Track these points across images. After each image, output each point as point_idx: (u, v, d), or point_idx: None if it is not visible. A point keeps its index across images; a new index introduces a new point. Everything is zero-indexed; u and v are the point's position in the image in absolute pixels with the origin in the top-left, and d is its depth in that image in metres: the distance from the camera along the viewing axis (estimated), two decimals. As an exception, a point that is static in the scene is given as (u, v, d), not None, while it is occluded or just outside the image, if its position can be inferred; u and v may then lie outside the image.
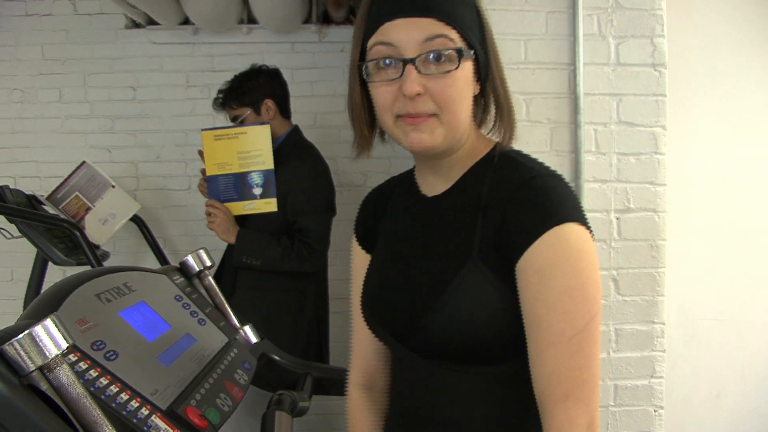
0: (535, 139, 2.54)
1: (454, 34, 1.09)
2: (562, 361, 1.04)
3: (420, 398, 1.25)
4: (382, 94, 1.13)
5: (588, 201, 2.55)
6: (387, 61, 1.10)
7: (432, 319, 1.14)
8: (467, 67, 1.13)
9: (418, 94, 1.08)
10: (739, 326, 3.15)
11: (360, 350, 1.46)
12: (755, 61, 3.11)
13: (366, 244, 1.44)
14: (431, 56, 1.08)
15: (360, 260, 1.44)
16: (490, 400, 1.18)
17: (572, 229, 1.06)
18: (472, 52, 1.13)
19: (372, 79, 1.13)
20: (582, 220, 1.09)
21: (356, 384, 1.46)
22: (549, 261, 1.05)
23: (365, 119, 1.24)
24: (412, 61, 1.07)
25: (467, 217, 1.17)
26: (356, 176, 4.11)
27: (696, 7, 3.04)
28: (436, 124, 1.12)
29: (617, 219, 2.58)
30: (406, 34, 1.08)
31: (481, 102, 1.24)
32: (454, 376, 1.18)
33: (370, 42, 1.13)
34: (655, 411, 2.65)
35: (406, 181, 1.39)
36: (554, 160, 2.54)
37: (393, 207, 1.39)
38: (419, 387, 1.25)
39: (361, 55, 1.17)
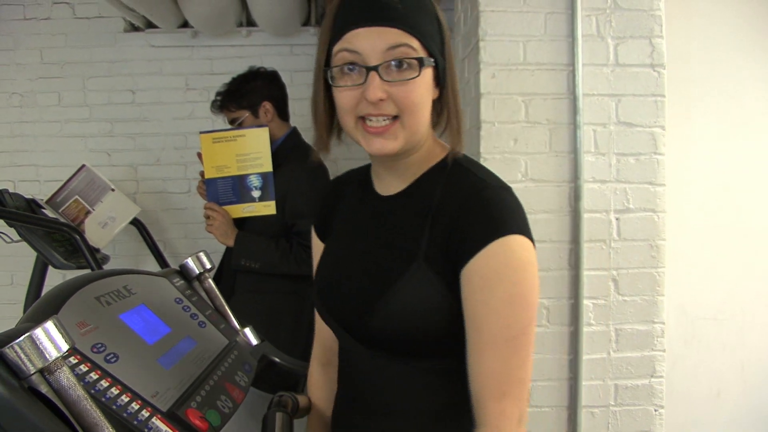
0: (534, 139, 2.53)
1: (415, 43, 1.14)
2: (500, 362, 1.12)
3: (364, 387, 1.33)
4: (345, 97, 1.17)
5: (587, 201, 2.56)
6: (351, 67, 1.15)
7: (377, 312, 1.19)
8: (427, 74, 1.18)
9: (381, 100, 1.13)
10: (738, 325, 3.15)
11: (320, 329, 1.55)
12: (754, 62, 3.11)
13: (321, 233, 1.51)
14: (393, 64, 1.13)
15: (316, 248, 1.51)
16: (429, 393, 1.25)
17: (517, 240, 1.12)
18: (432, 60, 1.18)
19: (336, 84, 1.18)
20: (527, 232, 1.15)
21: (316, 359, 1.59)
22: (494, 269, 1.11)
23: (326, 122, 1.28)
24: (375, 68, 1.12)
25: (417, 219, 1.23)
26: (356, 178, 4.09)
27: (695, 8, 3.05)
28: (398, 129, 1.18)
29: (617, 219, 2.58)
30: (370, 42, 1.12)
31: (437, 106, 1.28)
32: (395, 367, 1.25)
33: (335, 48, 1.17)
34: (655, 410, 2.65)
35: (362, 177, 1.44)
36: (553, 161, 2.54)
37: (348, 200, 1.45)
38: (363, 376, 1.32)
39: (326, 60, 1.21)
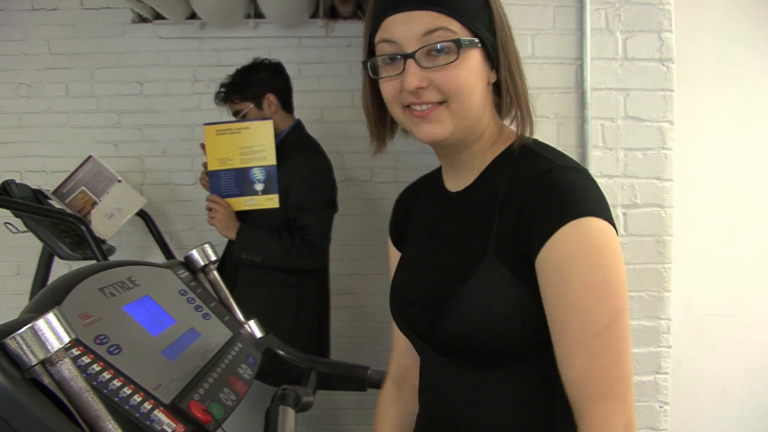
0: (542, 134, 2.48)
1: (455, 25, 1.07)
2: (591, 360, 1.01)
3: (443, 399, 1.24)
4: (387, 88, 1.13)
5: (594, 197, 2.54)
6: (391, 56, 1.10)
7: (448, 316, 1.12)
8: (472, 56, 1.10)
9: (421, 88, 1.08)
10: (745, 323, 3.15)
11: (396, 346, 1.49)
12: (763, 58, 3.10)
13: (398, 243, 1.45)
14: (431, 49, 1.07)
15: (393, 259, 1.45)
16: (514, 403, 1.15)
17: (591, 222, 1.02)
18: (476, 41, 1.10)
19: (379, 75, 1.14)
20: (603, 213, 1.04)
21: (391, 378, 1.50)
22: (567, 256, 1.02)
23: (375, 114, 1.25)
24: (412, 55, 1.07)
25: (486, 212, 1.15)
26: (362, 171, 4.10)
27: (704, 2, 3.03)
28: (444, 113, 1.11)
29: (624, 214, 2.57)
30: (405, 28, 1.08)
31: (499, 90, 1.19)
32: (474, 376, 1.17)
33: (376, 39, 1.13)
34: (660, 407, 2.64)
35: (434, 178, 1.38)
36: (561, 156, 2.53)
37: (422, 204, 1.39)
38: (442, 387, 1.24)
39: (369, 52, 1.17)
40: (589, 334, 1.01)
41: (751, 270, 3.14)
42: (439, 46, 1.07)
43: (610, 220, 1.05)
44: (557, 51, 2.55)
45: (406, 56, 1.08)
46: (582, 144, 2.54)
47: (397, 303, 1.31)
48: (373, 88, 1.21)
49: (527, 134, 1.20)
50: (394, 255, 1.44)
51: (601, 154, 2.55)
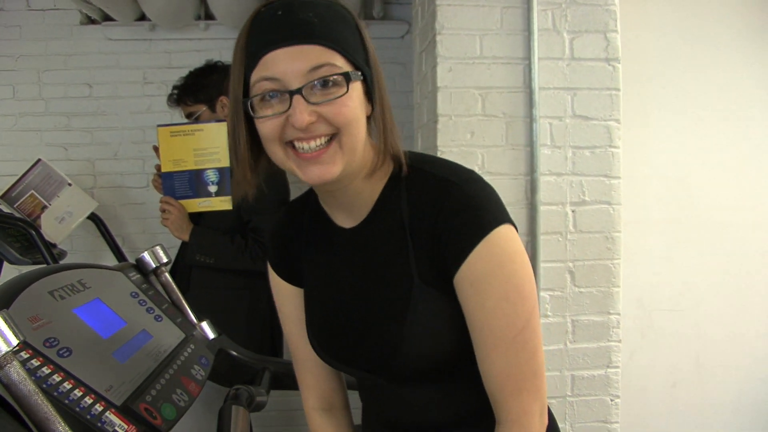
0: (490, 133, 2.55)
1: (339, 60, 1.05)
2: (509, 359, 1.10)
3: (403, 411, 1.27)
4: (267, 127, 1.07)
5: (544, 194, 2.58)
6: (272, 93, 1.05)
7: (403, 352, 1.15)
8: (357, 89, 1.08)
9: (311, 123, 1.04)
10: (694, 317, 3.21)
11: (311, 376, 1.43)
12: (707, 56, 3.16)
13: (291, 279, 1.39)
14: (318, 84, 1.03)
15: (287, 293, 1.40)
16: (471, 400, 1.23)
17: (500, 233, 1.08)
18: (359, 74, 1.08)
19: (258, 115, 1.07)
20: (505, 217, 1.11)
21: (315, 409, 1.45)
22: (483, 272, 1.08)
23: (249, 159, 1.16)
24: (299, 91, 1.02)
25: (395, 241, 1.17)
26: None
27: (649, 3, 3.09)
28: (334, 152, 1.07)
29: (573, 212, 2.61)
30: (290, 65, 1.03)
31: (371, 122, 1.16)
32: (429, 389, 1.23)
33: (253, 77, 1.06)
34: (611, 400, 2.69)
35: (310, 213, 1.34)
36: (510, 154, 2.56)
37: (310, 243, 1.34)
38: (401, 403, 1.27)
39: (244, 91, 1.09)
40: (508, 337, 1.09)
41: (701, 265, 3.21)
42: (330, 80, 1.03)
43: (509, 220, 1.12)
44: (505, 51, 2.58)
45: (292, 93, 1.03)
46: (530, 142, 2.57)
47: (326, 345, 1.30)
48: (247, 129, 1.12)
49: (398, 156, 1.19)
50: (287, 289, 1.39)
51: (550, 153, 2.59)
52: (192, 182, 2.78)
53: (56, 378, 0.93)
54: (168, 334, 1.38)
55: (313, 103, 1.03)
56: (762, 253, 3.26)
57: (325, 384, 1.42)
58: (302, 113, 1.02)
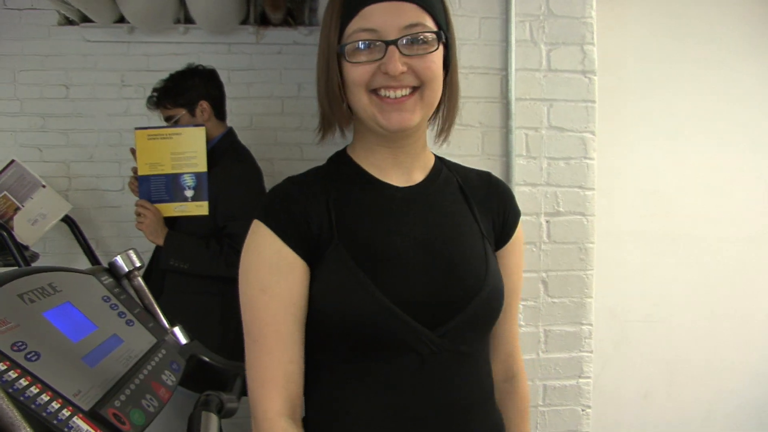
0: (466, 142, 2.56)
1: (429, 21, 1.15)
2: (517, 319, 1.47)
3: (434, 394, 1.20)
4: (357, 72, 1.15)
5: (519, 204, 2.57)
6: (364, 44, 1.14)
7: (489, 281, 1.25)
8: (441, 51, 1.19)
9: (402, 73, 1.13)
10: (667, 328, 3.23)
11: (279, 377, 1.19)
12: (683, 69, 3.19)
13: (303, 247, 1.22)
14: (412, 40, 1.13)
15: (288, 262, 1.21)
16: (489, 380, 1.35)
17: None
18: (444, 39, 1.19)
19: (352, 60, 1.15)
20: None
21: (282, 416, 1.18)
22: (520, 242, 1.42)
23: (340, 97, 1.21)
24: (394, 42, 1.12)
25: (460, 202, 1.33)
26: (292, 178, 4.08)
27: (626, 16, 3.11)
28: (416, 102, 1.17)
29: (547, 222, 2.62)
30: (388, 18, 1.12)
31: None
32: (466, 362, 1.25)
33: (351, 27, 1.15)
34: (582, 410, 2.70)
35: (346, 173, 1.31)
36: (486, 164, 2.57)
37: (348, 200, 1.26)
38: (432, 384, 1.20)
39: (338, 38, 1.18)
40: (520, 298, 1.54)
41: (674, 276, 3.23)
42: (422, 36, 1.14)
43: None
44: (483, 61, 2.58)
45: (388, 43, 1.12)
46: (506, 153, 2.57)
47: (409, 289, 1.19)
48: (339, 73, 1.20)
49: (446, 137, 1.35)
50: (288, 258, 1.21)
51: (525, 163, 2.60)
52: (168, 186, 2.77)
53: (23, 382, 0.92)
54: (139, 339, 1.37)
55: (407, 55, 1.13)
56: (735, 266, 3.29)
57: (293, 386, 1.20)
58: (396, 62, 1.12)
